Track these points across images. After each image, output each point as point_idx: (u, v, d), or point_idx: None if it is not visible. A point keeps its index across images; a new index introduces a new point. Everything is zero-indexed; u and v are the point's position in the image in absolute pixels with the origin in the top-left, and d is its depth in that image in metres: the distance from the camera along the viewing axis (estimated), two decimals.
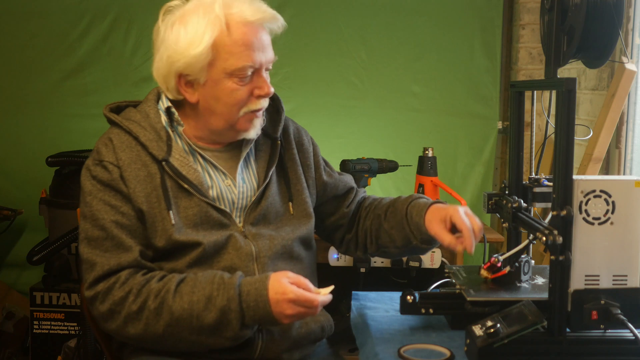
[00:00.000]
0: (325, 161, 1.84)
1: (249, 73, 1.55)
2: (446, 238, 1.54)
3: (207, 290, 1.47)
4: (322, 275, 1.84)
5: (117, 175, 1.54)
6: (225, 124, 1.59)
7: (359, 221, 1.81)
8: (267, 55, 1.57)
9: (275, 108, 1.73)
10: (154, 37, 1.60)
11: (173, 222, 1.53)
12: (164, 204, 1.54)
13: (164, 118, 1.61)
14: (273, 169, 1.67)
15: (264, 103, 1.61)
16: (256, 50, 1.54)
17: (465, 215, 1.53)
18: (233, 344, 1.50)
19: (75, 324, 2.88)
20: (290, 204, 1.68)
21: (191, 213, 1.55)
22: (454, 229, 1.55)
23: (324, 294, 1.47)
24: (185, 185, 1.56)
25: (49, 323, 2.92)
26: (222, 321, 1.46)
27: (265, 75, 1.60)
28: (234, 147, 1.67)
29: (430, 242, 1.65)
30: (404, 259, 2.48)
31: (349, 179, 1.86)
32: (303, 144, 1.77)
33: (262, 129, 1.68)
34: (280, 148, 1.70)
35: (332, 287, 1.49)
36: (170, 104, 1.62)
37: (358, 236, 1.81)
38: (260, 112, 1.62)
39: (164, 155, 1.56)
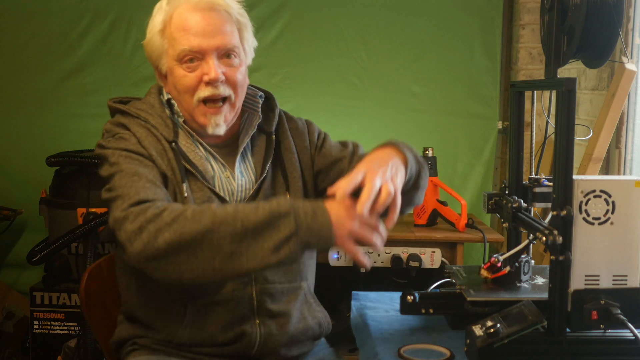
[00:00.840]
0: (320, 133, 1.80)
1: (194, 58, 1.57)
2: (338, 192, 1.36)
3: (253, 205, 1.37)
4: (322, 275, 1.84)
5: (135, 142, 1.55)
6: (188, 115, 1.62)
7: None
8: (212, 40, 1.56)
9: (270, 107, 1.74)
10: None
11: (185, 194, 1.53)
12: (179, 177, 1.55)
13: (167, 110, 1.63)
14: (269, 163, 1.67)
15: (215, 90, 1.56)
16: (196, 34, 1.55)
17: (376, 175, 1.37)
18: (271, 262, 1.32)
19: (75, 324, 2.88)
20: (287, 194, 1.68)
21: (196, 196, 1.56)
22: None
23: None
24: (192, 170, 1.57)
25: (49, 323, 2.92)
26: (270, 223, 1.32)
27: (220, 62, 1.57)
28: (230, 143, 1.68)
29: None
30: (404, 259, 2.48)
31: (343, 143, 1.80)
32: (297, 128, 1.77)
33: (258, 126, 1.69)
34: (275, 142, 1.70)
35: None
36: (170, 96, 1.64)
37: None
38: (218, 107, 1.58)
39: (173, 137, 1.59)
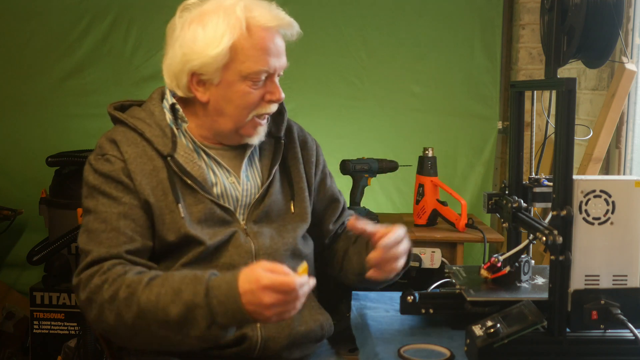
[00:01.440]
0: (325, 163, 1.83)
1: (263, 77, 1.56)
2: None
3: (176, 284, 1.40)
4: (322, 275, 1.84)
5: (119, 167, 1.54)
6: (232, 126, 1.60)
7: (336, 239, 1.80)
8: (281, 61, 1.59)
9: (278, 110, 1.73)
10: (167, 33, 1.60)
11: (182, 215, 1.53)
12: (171, 198, 1.54)
13: (168, 116, 1.62)
14: (276, 167, 1.67)
15: (273, 108, 1.62)
16: (272, 55, 1.55)
17: (390, 231, 1.53)
18: (204, 345, 1.41)
19: (75, 324, 2.88)
20: (292, 202, 1.69)
21: (196, 210, 1.56)
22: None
23: (301, 274, 1.33)
24: (190, 182, 1.56)
25: (49, 323, 2.92)
26: (188, 317, 1.36)
27: (277, 81, 1.60)
28: (237, 147, 1.67)
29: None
30: None
31: (339, 194, 1.84)
32: (307, 142, 1.78)
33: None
34: (283, 147, 1.70)
35: (305, 265, 1.35)
36: (174, 101, 1.63)
37: (329, 254, 1.80)
38: (266, 119, 1.63)
39: (169, 151, 1.57)
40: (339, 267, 1.77)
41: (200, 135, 1.63)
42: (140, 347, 1.50)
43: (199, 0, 1.58)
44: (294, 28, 1.62)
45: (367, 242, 1.63)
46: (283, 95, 1.60)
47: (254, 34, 1.54)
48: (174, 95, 1.65)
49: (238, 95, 1.56)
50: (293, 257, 1.65)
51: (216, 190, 1.60)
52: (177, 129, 1.62)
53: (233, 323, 1.36)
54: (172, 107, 1.62)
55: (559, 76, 1.41)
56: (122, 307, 1.40)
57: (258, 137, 1.63)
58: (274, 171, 1.66)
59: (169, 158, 1.56)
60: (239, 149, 1.67)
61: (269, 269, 1.32)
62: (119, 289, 1.42)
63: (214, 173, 1.62)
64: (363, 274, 1.61)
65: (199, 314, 1.35)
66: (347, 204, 2.26)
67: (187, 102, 1.62)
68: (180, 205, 1.53)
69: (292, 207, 1.68)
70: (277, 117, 1.72)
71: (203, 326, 1.35)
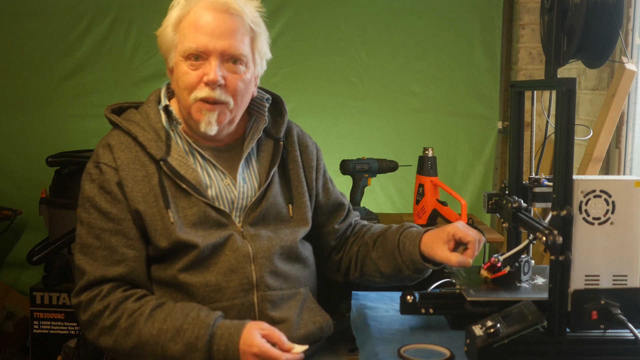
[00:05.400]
0: (325, 168, 1.82)
1: (198, 57, 1.55)
2: (453, 257, 1.53)
3: (179, 322, 1.47)
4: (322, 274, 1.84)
5: (111, 177, 1.55)
6: (185, 112, 1.60)
7: (346, 246, 1.80)
8: (220, 42, 1.54)
9: (278, 110, 1.73)
10: None
11: (172, 220, 1.53)
12: (162, 204, 1.54)
13: (164, 118, 1.62)
14: (275, 169, 1.66)
15: (212, 93, 1.55)
16: (205, 33, 1.54)
17: (466, 227, 1.55)
18: None
19: (75, 324, 2.88)
20: (290, 206, 1.68)
21: (190, 213, 1.55)
22: (456, 246, 1.57)
23: (295, 352, 1.44)
24: (184, 185, 1.56)
25: (49, 323, 2.92)
26: (186, 357, 1.45)
27: (224, 67, 1.55)
28: (235, 147, 1.67)
29: (421, 271, 1.66)
30: None
31: (343, 197, 1.84)
32: (307, 146, 1.76)
33: (265, 130, 1.68)
34: (282, 149, 1.69)
35: (305, 347, 1.47)
36: (168, 103, 1.63)
37: (342, 260, 1.80)
38: (213, 106, 1.56)
39: (162, 155, 1.56)
40: (359, 273, 1.77)
41: (195, 136, 1.63)
42: None
43: None
44: (245, 16, 1.57)
45: (395, 244, 1.67)
46: (217, 76, 1.53)
47: (192, 13, 1.56)
48: (171, 94, 1.65)
49: (180, 76, 1.58)
50: (291, 260, 1.65)
51: (211, 192, 1.60)
52: (172, 131, 1.62)
53: None
54: (166, 109, 1.62)
55: (559, 76, 1.41)
56: (121, 335, 1.49)
57: (208, 125, 1.57)
58: (272, 173, 1.65)
59: (161, 162, 1.56)
60: (236, 150, 1.66)
61: (266, 335, 1.44)
62: (120, 317, 1.49)
63: (209, 175, 1.61)
64: (399, 275, 1.69)
65: (197, 356, 1.44)
66: None
67: None
68: (170, 210, 1.53)
69: (290, 211, 1.68)
70: (277, 118, 1.71)
71: None
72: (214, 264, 1.56)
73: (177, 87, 1.60)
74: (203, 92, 1.55)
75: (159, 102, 1.65)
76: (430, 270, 1.66)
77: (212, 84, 1.54)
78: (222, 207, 1.59)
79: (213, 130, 1.58)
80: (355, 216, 1.85)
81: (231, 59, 1.56)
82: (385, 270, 1.70)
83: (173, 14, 1.59)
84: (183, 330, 1.45)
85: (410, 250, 1.63)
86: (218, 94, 1.55)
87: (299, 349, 1.45)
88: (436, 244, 1.58)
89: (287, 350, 1.44)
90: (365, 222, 1.86)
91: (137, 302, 1.51)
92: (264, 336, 1.44)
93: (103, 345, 1.52)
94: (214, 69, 1.54)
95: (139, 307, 1.49)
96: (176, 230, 1.53)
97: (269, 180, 1.65)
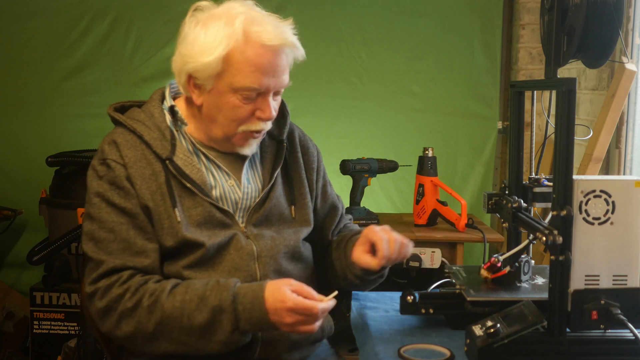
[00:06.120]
0: (325, 171, 1.82)
1: (255, 94, 1.53)
2: (361, 258, 1.55)
3: (200, 291, 1.46)
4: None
5: (121, 173, 1.54)
6: (222, 135, 1.58)
7: (330, 248, 1.79)
8: (278, 80, 1.54)
9: (280, 112, 1.73)
10: (180, 30, 1.58)
11: (179, 219, 1.53)
12: (169, 202, 1.54)
13: (168, 118, 1.61)
14: (278, 170, 1.67)
15: (264, 125, 1.58)
16: (266, 74, 1.51)
17: (381, 229, 1.55)
18: (224, 350, 1.46)
19: (75, 324, 2.88)
20: (293, 207, 1.68)
21: (195, 213, 1.55)
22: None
23: (326, 301, 1.43)
24: (188, 185, 1.56)
25: (49, 323, 2.92)
26: (213, 322, 1.44)
27: (273, 99, 1.57)
28: None
29: (361, 277, 1.65)
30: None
31: (339, 200, 1.83)
32: (308, 148, 1.77)
33: (268, 132, 1.68)
34: (285, 150, 1.70)
35: (335, 293, 1.46)
36: (173, 103, 1.62)
37: (328, 264, 1.79)
38: (260, 134, 1.60)
39: (167, 154, 1.56)
40: (326, 276, 1.77)
41: (200, 137, 1.63)
42: (155, 353, 1.50)
43: (212, 3, 1.56)
44: (297, 50, 1.57)
45: (344, 244, 1.69)
46: (274, 114, 1.57)
47: (250, 49, 1.49)
48: (175, 94, 1.65)
49: (228, 107, 1.54)
50: (294, 260, 1.65)
51: (215, 193, 1.60)
52: (176, 130, 1.61)
53: (255, 329, 1.47)
54: (172, 109, 1.62)
55: (559, 76, 1.41)
56: (144, 314, 1.46)
57: (250, 149, 1.61)
58: (275, 174, 1.66)
59: (167, 161, 1.56)
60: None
61: (296, 289, 1.42)
62: (142, 297, 1.47)
63: (213, 176, 1.61)
64: (347, 279, 1.68)
65: (225, 318, 1.43)
66: (347, 204, 2.26)
67: (191, 101, 1.61)
68: (177, 209, 1.53)
69: (292, 212, 1.68)
70: (280, 119, 1.71)
71: (227, 331, 1.44)
72: (219, 263, 1.56)
73: (220, 114, 1.55)
74: (257, 125, 1.56)
75: (162, 101, 1.65)
76: (375, 274, 1.63)
77: (267, 120, 1.57)
78: (226, 208, 1.59)
79: (252, 152, 1.63)
80: (346, 220, 1.85)
81: (278, 91, 1.58)
82: (339, 272, 1.71)
83: (219, 37, 1.49)
84: (205, 298, 1.45)
85: (350, 253, 1.63)
86: (268, 124, 1.59)
87: (330, 297, 1.44)
88: (355, 247, 1.59)
89: (319, 301, 1.43)
90: (352, 224, 1.85)
91: (157, 283, 1.49)
92: (293, 291, 1.43)
93: (122, 331, 1.47)
94: (270, 107, 1.55)
95: (159, 287, 1.48)
96: (182, 230, 1.53)
97: (272, 181, 1.65)
